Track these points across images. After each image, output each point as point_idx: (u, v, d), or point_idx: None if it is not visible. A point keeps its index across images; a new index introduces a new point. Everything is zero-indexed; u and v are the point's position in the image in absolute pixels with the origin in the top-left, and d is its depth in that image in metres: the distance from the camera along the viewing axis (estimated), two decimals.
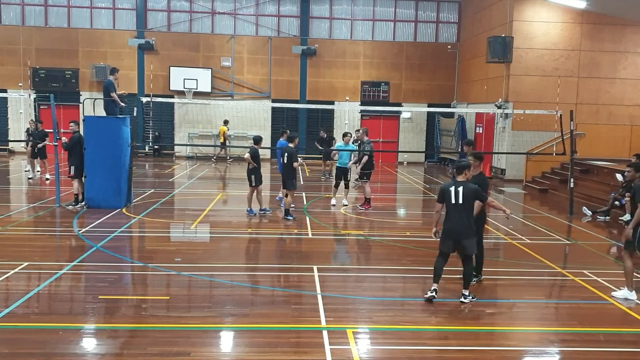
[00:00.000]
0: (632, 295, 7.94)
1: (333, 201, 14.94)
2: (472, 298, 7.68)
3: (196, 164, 25.37)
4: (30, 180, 18.17)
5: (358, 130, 16.03)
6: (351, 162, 14.77)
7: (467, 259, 7.69)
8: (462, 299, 7.61)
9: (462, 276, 7.73)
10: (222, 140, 25.49)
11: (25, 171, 19.45)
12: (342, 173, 14.74)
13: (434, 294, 7.57)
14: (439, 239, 7.79)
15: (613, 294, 8.10)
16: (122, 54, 26.94)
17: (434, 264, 7.71)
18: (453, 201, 7.53)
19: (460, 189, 7.54)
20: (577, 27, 21.46)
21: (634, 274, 8.07)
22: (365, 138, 14.77)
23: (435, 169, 26.57)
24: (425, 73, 28.08)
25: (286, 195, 13.00)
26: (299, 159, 12.87)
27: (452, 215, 7.58)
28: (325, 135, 23.20)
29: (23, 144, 23.05)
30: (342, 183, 14.81)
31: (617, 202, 14.32)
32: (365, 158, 14.36)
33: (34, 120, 20.35)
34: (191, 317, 6.93)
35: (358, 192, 16.45)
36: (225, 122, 25.41)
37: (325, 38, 27.96)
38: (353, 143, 15.76)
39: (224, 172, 22.90)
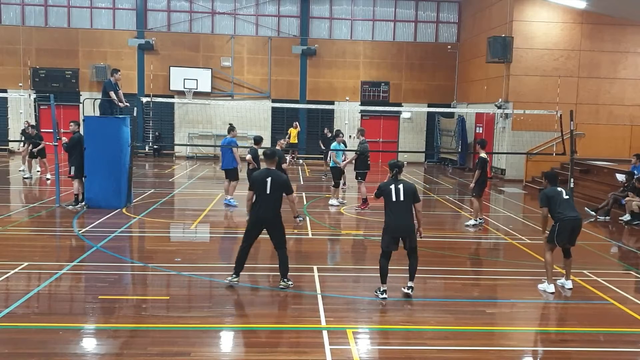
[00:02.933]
0: (550, 288, 8.17)
1: (332, 201, 15.01)
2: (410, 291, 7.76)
3: (196, 164, 25.37)
4: (26, 180, 18.16)
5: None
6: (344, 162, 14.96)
7: (413, 252, 7.78)
8: (410, 291, 7.69)
9: (409, 270, 7.79)
10: (294, 141, 24.32)
11: (20, 170, 19.43)
12: (340, 173, 14.87)
13: (385, 295, 7.63)
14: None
15: (538, 285, 8.39)
16: (122, 54, 26.94)
17: (379, 263, 7.75)
18: (394, 199, 7.61)
19: (401, 186, 7.65)
20: (577, 27, 21.47)
21: (554, 267, 8.37)
22: (361, 138, 14.90)
23: (435, 169, 26.55)
24: (425, 73, 28.07)
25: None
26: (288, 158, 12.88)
27: (394, 213, 7.65)
28: (330, 134, 23.10)
29: (20, 145, 22.91)
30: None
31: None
32: (354, 156, 14.56)
33: (33, 124, 20.27)
34: (191, 317, 6.92)
35: (357, 192, 16.45)
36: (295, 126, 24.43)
37: (325, 38, 27.95)
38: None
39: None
